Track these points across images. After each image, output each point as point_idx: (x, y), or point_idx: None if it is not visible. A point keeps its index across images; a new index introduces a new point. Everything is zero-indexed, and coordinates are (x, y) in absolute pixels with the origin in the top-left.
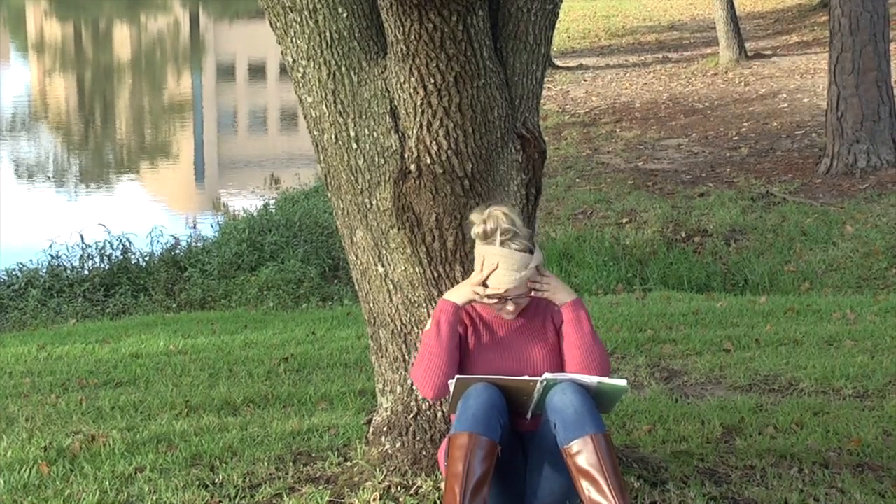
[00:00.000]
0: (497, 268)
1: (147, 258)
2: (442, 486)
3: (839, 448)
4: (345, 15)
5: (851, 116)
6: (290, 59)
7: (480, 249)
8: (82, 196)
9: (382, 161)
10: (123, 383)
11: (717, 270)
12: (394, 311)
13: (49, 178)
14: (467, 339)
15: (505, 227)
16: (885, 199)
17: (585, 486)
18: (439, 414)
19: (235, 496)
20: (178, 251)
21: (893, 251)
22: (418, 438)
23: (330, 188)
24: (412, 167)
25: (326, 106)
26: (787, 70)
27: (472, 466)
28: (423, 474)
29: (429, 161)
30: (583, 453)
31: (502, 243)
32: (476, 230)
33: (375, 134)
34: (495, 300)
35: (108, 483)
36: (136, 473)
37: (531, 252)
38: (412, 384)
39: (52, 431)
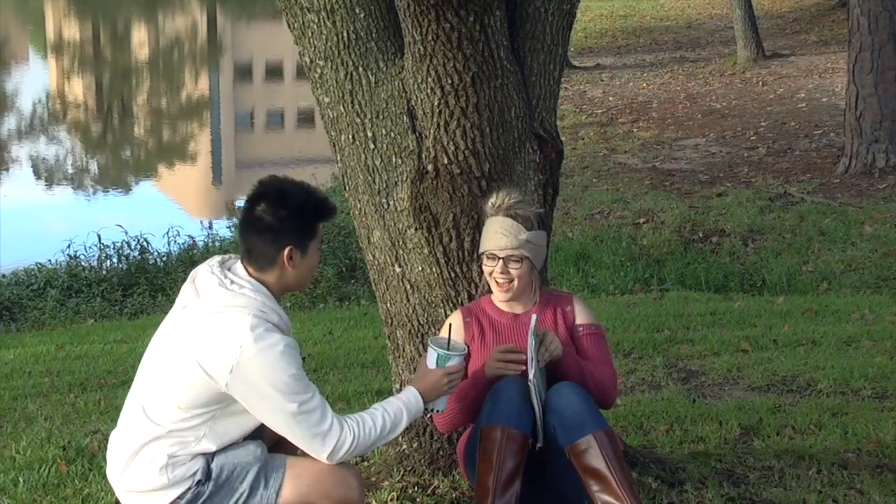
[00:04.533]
0: (492, 231)
1: (164, 258)
2: (463, 486)
3: (858, 449)
4: (362, 15)
5: (870, 116)
6: (308, 60)
7: (484, 226)
8: (100, 196)
9: (399, 161)
10: None
11: (735, 271)
12: (411, 312)
13: (67, 178)
14: (478, 347)
15: (504, 195)
16: None
17: (593, 486)
18: None
19: None
20: (195, 251)
21: None
22: (435, 438)
23: (347, 188)
24: (429, 167)
25: (344, 106)
26: (805, 69)
27: (504, 459)
28: (440, 474)
29: (446, 161)
30: (587, 453)
31: (507, 209)
32: (486, 206)
33: (393, 134)
34: (490, 268)
35: None
36: None
37: (530, 228)
38: None
39: (71, 431)
